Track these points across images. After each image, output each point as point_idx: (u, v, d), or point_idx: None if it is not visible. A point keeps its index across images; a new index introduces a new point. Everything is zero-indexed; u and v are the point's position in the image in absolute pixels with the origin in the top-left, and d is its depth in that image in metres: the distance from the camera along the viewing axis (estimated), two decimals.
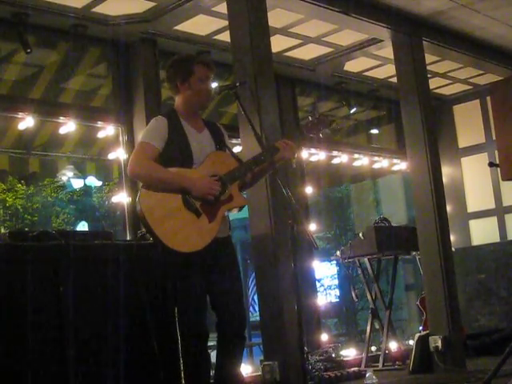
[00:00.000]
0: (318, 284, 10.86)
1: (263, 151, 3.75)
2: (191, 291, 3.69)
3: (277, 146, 3.86)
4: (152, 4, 5.96)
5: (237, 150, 5.86)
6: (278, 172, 3.63)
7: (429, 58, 7.37)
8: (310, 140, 7.84)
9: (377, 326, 7.21)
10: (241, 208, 3.91)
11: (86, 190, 12.86)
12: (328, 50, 7.45)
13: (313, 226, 8.30)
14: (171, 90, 3.98)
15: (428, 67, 7.36)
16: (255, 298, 12.11)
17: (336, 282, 13.70)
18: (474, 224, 9.29)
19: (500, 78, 8.19)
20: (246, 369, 5.99)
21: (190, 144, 3.81)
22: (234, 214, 3.95)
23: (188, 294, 3.70)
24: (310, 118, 3.96)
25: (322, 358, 6.43)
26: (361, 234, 6.86)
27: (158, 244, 3.68)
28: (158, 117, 3.89)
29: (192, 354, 3.72)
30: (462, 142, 9.47)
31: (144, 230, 3.80)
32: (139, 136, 6.17)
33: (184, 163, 3.76)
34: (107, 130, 6.46)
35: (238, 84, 3.89)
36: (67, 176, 10.22)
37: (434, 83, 8.43)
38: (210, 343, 3.81)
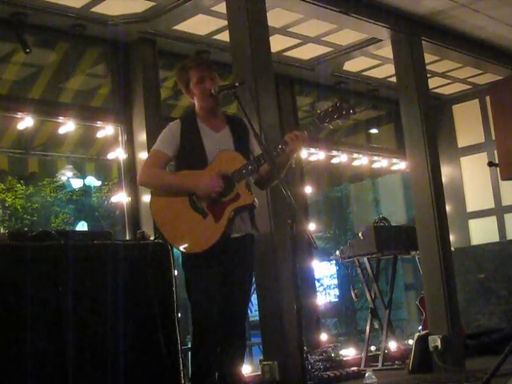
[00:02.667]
0: (317, 284, 10.86)
1: (266, 148, 3.74)
2: (202, 289, 3.71)
3: (286, 140, 3.85)
4: (151, 4, 5.96)
5: None
6: (279, 171, 3.63)
7: (428, 57, 7.37)
8: (314, 140, 7.83)
9: (376, 326, 7.21)
10: (249, 206, 3.85)
11: (86, 189, 12.86)
12: (327, 49, 7.45)
13: (312, 226, 8.30)
14: (184, 95, 4.08)
15: (427, 67, 7.36)
16: (253, 298, 12.08)
17: (335, 281, 13.70)
18: (473, 224, 9.29)
19: (499, 78, 8.20)
20: (246, 369, 5.98)
21: (203, 145, 3.83)
22: None
23: (199, 291, 3.72)
24: (328, 104, 3.89)
25: (321, 357, 6.43)
26: (360, 234, 6.87)
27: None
28: (173, 122, 3.97)
29: (201, 348, 3.73)
30: (462, 142, 9.47)
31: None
32: (139, 135, 6.27)
33: (198, 164, 3.79)
34: (106, 130, 6.46)
35: (237, 84, 3.90)
36: (66, 176, 10.22)
37: (433, 83, 8.43)
38: None
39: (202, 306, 3.73)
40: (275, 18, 6.20)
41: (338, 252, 7.04)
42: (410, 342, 7.21)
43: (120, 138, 6.45)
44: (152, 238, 4.57)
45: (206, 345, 3.72)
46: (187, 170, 3.80)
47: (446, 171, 9.07)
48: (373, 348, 7.36)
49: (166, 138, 3.89)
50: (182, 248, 3.72)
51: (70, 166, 8.10)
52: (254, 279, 5.25)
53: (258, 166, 3.81)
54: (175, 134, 3.87)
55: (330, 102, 4.11)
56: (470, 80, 8.94)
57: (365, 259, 7.00)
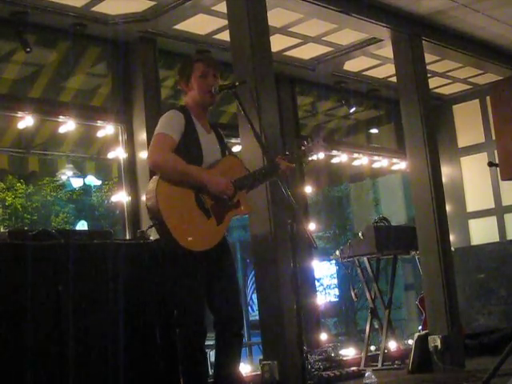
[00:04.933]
0: (317, 283, 10.87)
1: (267, 163, 3.82)
2: (190, 290, 3.70)
3: (278, 164, 3.88)
4: (152, 3, 5.96)
5: (236, 149, 5.87)
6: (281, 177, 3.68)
7: (428, 57, 7.37)
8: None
9: (376, 326, 7.21)
10: (245, 215, 3.99)
11: (86, 189, 12.88)
12: (328, 49, 7.45)
13: (312, 226, 8.30)
14: (182, 92, 4.07)
15: (428, 67, 7.36)
16: (254, 297, 12.14)
17: (335, 281, 13.73)
18: (473, 224, 9.29)
19: (500, 78, 8.20)
20: (246, 368, 5.99)
21: (200, 144, 3.85)
22: None
23: (187, 292, 3.71)
24: (304, 145, 4.10)
25: (321, 357, 6.43)
26: (360, 234, 6.86)
27: (164, 238, 3.69)
28: (174, 110, 3.90)
29: (189, 352, 3.72)
30: (462, 142, 9.47)
31: (153, 221, 3.77)
32: (140, 134, 6.27)
33: (194, 161, 3.79)
34: (107, 129, 6.46)
35: (237, 83, 3.91)
36: (67, 175, 10.22)
37: (433, 83, 8.43)
38: (209, 342, 3.82)
39: (190, 307, 3.71)
40: (275, 17, 6.19)
41: (337, 252, 7.04)
42: (410, 341, 7.20)
43: (120, 138, 6.45)
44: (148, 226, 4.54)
45: (195, 346, 3.71)
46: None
47: (446, 171, 9.07)
48: (372, 348, 7.36)
49: (174, 123, 3.82)
50: (183, 242, 3.63)
51: (70, 166, 8.09)
52: (252, 279, 5.26)
53: (259, 179, 3.92)
54: (181, 123, 3.82)
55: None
56: (470, 80, 8.93)
57: (365, 259, 7.00)
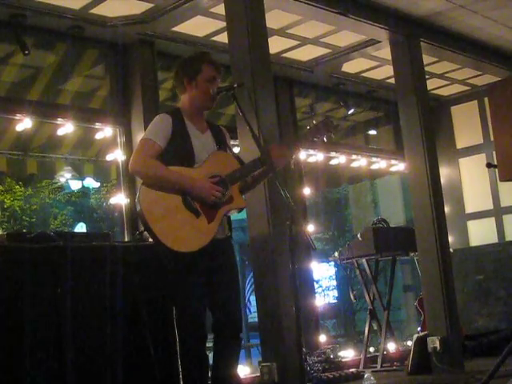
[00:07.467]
0: (316, 285, 10.87)
1: (262, 154, 3.74)
2: (190, 292, 3.69)
3: (269, 151, 3.83)
4: (150, 5, 5.97)
5: (235, 151, 5.86)
6: (278, 174, 3.64)
7: (427, 58, 7.38)
8: (312, 143, 7.85)
9: (375, 327, 7.21)
10: (240, 209, 3.91)
11: (84, 191, 12.89)
12: (326, 51, 7.46)
13: (311, 227, 8.30)
14: (177, 88, 3.99)
15: (426, 68, 7.37)
16: (251, 298, 12.13)
17: (334, 282, 13.74)
18: (472, 225, 9.30)
19: (498, 79, 8.20)
20: (245, 370, 5.99)
21: (192, 144, 3.82)
22: (232, 215, 3.95)
23: (187, 294, 3.70)
24: (314, 121, 3.99)
25: (320, 358, 6.43)
26: (359, 235, 6.87)
27: (157, 243, 3.68)
28: (163, 114, 3.88)
29: (190, 355, 3.71)
30: (460, 143, 9.48)
31: (143, 228, 3.79)
32: (138, 136, 6.26)
33: (186, 163, 3.76)
34: (105, 132, 6.46)
35: (235, 85, 3.90)
36: (65, 177, 10.21)
37: (431, 84, 8.43)
38: (208, 344, 3.81)
39: (190, 310, 3.69)
40: (274, 19, 6.20)
41: (336, 253, 7.05)
42: (409, 343, 7.21)
43: (118, 140, 6.45)
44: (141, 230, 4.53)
45: (195, 349, 3.70)
46: (172, 166, 3.73)
47: (445, 172, 9.07)
48: (372, 349, 7.36)
49: (160, 128, 3.80)
50: (172, 246, 3.62)
51: (69, 168, 8.09)
52: (251, 280, 5.25)
53: (253, 170, 3.83)
54: (167, 127, 3.79)
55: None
56: (468, 81, 8.94)
57: (363, 260, 7.00)
